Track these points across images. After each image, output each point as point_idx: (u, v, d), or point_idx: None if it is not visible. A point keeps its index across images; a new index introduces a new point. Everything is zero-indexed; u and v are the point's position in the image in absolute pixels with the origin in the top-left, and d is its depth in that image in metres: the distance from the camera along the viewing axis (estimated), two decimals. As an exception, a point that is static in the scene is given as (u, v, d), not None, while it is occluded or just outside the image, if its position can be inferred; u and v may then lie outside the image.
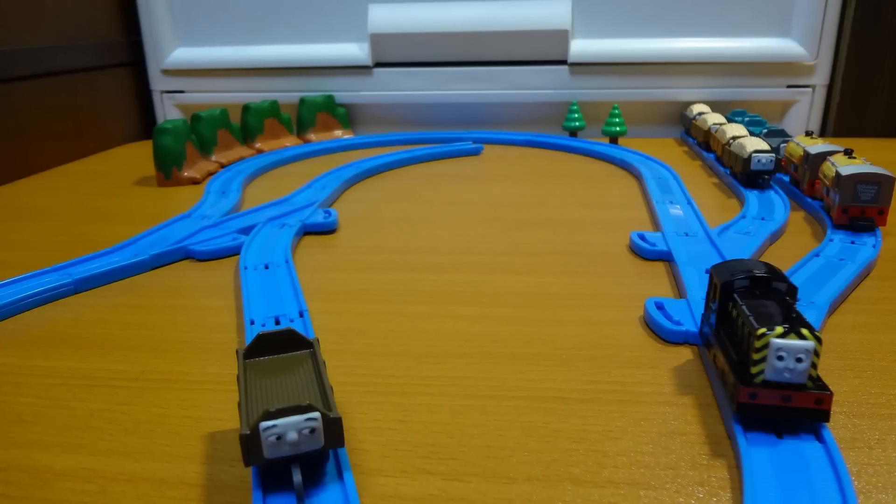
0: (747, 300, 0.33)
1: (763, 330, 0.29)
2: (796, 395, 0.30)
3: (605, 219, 0.65)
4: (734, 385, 0.31)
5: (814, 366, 0.29)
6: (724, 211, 0.67)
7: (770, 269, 0.35)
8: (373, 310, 0.46)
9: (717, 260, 0.50)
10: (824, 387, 0.30)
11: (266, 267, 0.52)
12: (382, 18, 1.07)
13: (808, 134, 0.71)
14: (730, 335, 0.34)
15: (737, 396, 0.30)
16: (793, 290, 0.34)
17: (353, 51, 1.10)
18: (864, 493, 0.28)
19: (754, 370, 0.30)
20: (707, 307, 0.38)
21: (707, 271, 0.38)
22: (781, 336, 0.29)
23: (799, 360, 0.29)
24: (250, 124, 1.00)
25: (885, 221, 0.57)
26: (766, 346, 0.29)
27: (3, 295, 0.47)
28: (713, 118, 0.90)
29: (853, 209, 0.57)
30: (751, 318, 0.31)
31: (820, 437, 0.30)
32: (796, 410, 0.30)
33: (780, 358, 0.29)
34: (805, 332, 0.29)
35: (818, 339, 0.29)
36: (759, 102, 1.07)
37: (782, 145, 0.76)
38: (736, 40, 1.04)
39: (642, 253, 0.55)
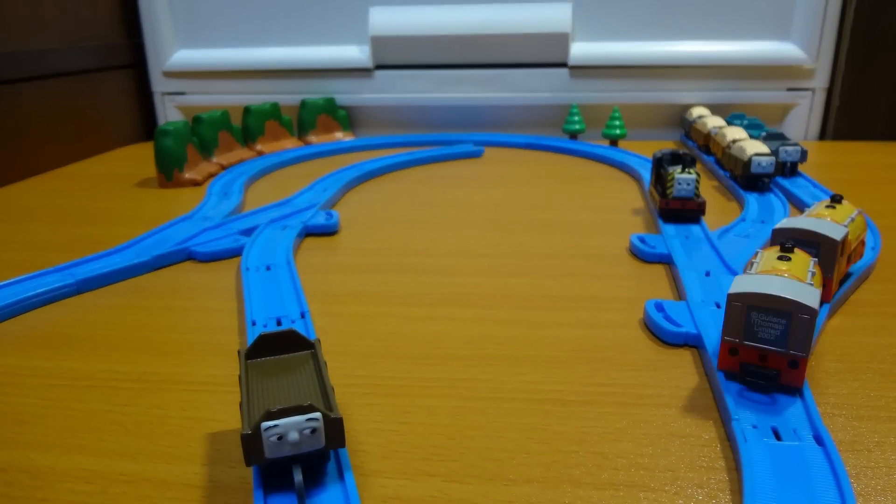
0: (670, 164, 0.63)
1: (671, 170, 0.60)
2: (688, 203, 0.59)
3: (606, 221, 0.65)
4: (659, 201, 0.61)
5: (697, 187, 0.59)
6: (723, 214, 0.67)
7: (685, 152, 0.62)
8: (373, 311, 0.46)
9: (718, 263, 0.51)
10: (703, 199, 0.59)
11: (268, 268, 0.52)
12: (383, 21, 1.07)
13: (835, 200, 0.48)
14: (661, 183, 0.63)
15: (660, 206, 0.61)
16: (693, 160, 0.61)
17: (354, 53, 1.10)
18: (864, 495, 0.28)
19: (668, 192, 0.60)
20: (651, 173, 0.67)
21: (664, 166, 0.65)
22: (680, 173, 0.59)
23: (688, 184, 0.59)
24: (251, 126, 1.00)
25: (801, 379, 0.32)
26: (673, 178, 0.59)
27: (5, 296, 0.48)
28: (713, 121, 0.90)
29: (747, 351, 0.33)
30: (668, 168, 0.61)
31: (819, 439, 0.30)
32: (689, 210, 0.59)
33: (680, 183, 0.59)
34: (691, 171, 0.59)
35: (698, 175, 0.59)
36: (759, 106, 1.07)
37: (781, 148, 0.76)
38: (736, 43, 1.04)
39: (642, 255, 0.55)
